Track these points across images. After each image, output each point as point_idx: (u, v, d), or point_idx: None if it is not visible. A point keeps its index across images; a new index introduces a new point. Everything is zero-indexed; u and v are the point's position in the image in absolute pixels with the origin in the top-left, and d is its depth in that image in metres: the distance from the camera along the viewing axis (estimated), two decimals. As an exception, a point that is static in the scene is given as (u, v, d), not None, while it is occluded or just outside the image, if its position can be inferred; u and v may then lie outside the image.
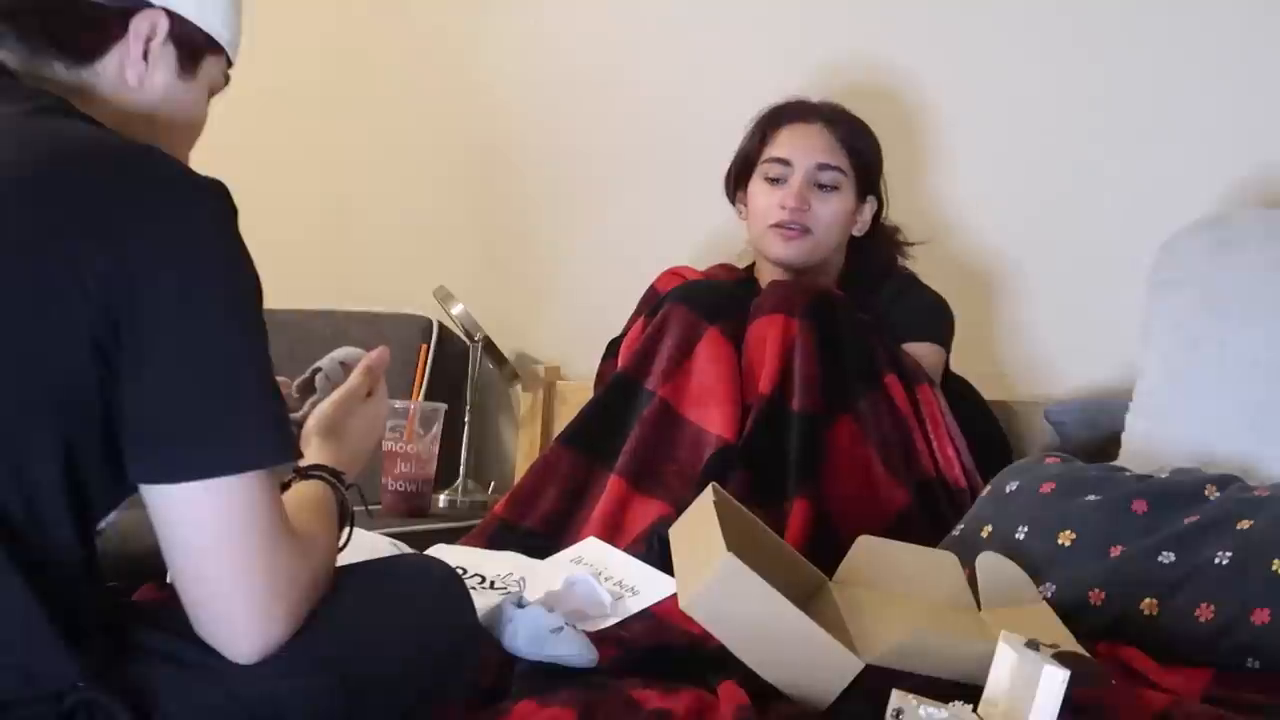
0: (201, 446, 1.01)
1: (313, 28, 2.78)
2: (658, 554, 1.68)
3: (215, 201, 1.08)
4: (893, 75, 2.35)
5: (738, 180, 2.20)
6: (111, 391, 1.01)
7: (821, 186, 2.09)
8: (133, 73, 1.18)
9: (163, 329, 1.01)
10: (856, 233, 2.15)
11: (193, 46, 1.22)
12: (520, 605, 1.41)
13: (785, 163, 2.10)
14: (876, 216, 2.18)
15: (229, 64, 1.29)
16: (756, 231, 2.13)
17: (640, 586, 1.61)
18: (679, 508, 1.76)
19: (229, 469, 1.01)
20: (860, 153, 2.12)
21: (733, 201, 2.21)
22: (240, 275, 1.07)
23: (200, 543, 1.02)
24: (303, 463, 1.25)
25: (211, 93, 1.28)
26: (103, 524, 1.10)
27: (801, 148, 2.10)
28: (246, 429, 1.03)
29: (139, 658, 1.03)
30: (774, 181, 2.11)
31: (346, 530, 1.22)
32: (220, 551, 1.02)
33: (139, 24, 1.18)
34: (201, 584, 1.03)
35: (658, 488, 1.83)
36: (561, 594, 1.53)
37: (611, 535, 1.79)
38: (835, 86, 2.27)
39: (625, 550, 1.73)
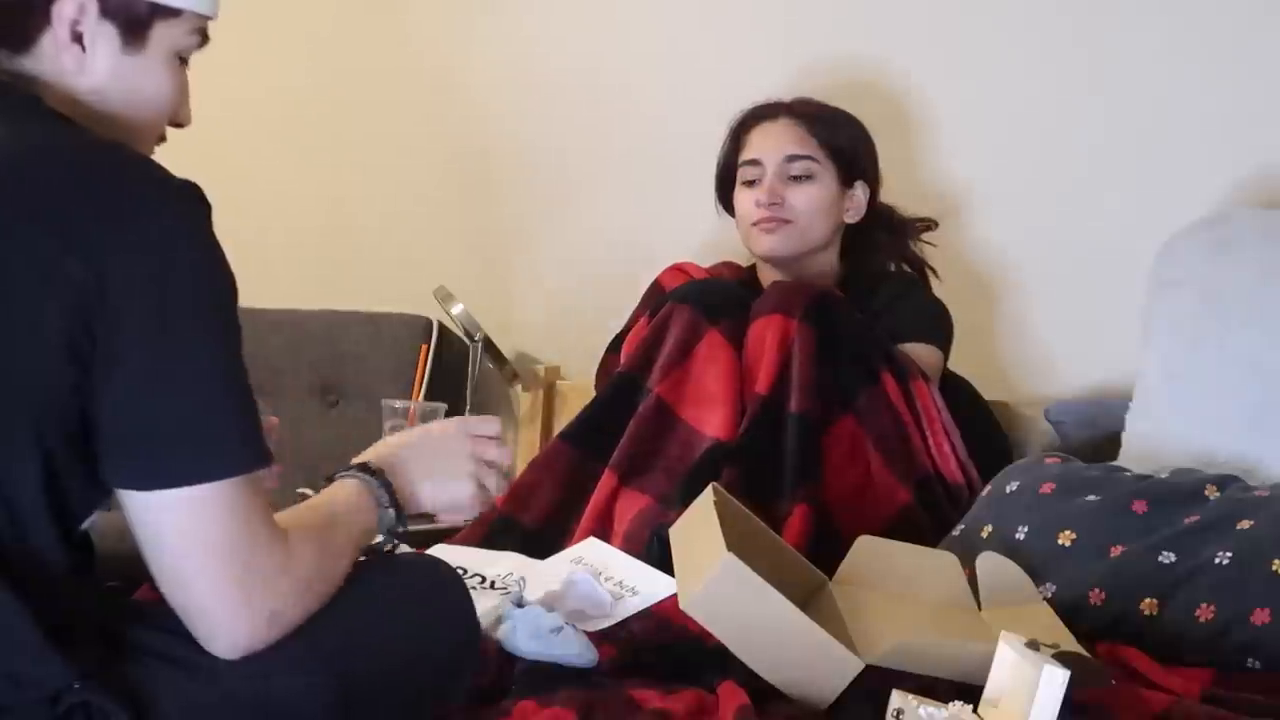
0: (171, 455, 1.01)
1: (312, 30, 2.78)
2: (657, 554, 1.68)
3: (187, 204, 1.06)
4: (889, 75, 2.35)
5: (723, 191, 2.21)
6: (87, 395, 1.00)
7: (795, 178, 2.10)
8: (68, 57, 1.13)
9: (135, 336, 1.00)
10: (850, 219, 2.15)
11: (133, 18, 1.14)
12: (520, 605, 1.41)
13: (756, 163, 2.12)
14: (873, 201, 2.17)
15: (203, 19, 1.20)
16: (743, 234, 2.16)
17: (640, 586, 1.61)
18: (661, 502, 1.77)
19: (199, 478, 1.01)
20: (833, 141, 2.12)
21: (729, 211, 2.21)
22: (213, 279, 1.05)
23: (174, 546, 1.02)
24: (355, 460, 1.25)
25: (181, 56, 1.20)
26: (86, 523, 1.10)
27: (769, 145, 2.12)
28: (216, 437, 1.02)
29: (136, 658, 1.02)
30: (750, 184, 2.13)
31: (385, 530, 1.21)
32: (194, 555, 1.01)
33: (62, 7, 1.11)
34: (178, 584, 1.03)
35: (644, 482, 1.84)
36: (561, 594, 1.53)
37: (601, 529, 1.80)
38: (829, 85, 2.27)
39: (615, 546, 1.74)
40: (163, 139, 1.24)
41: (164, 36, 1.17)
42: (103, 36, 1.13)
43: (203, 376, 1.03)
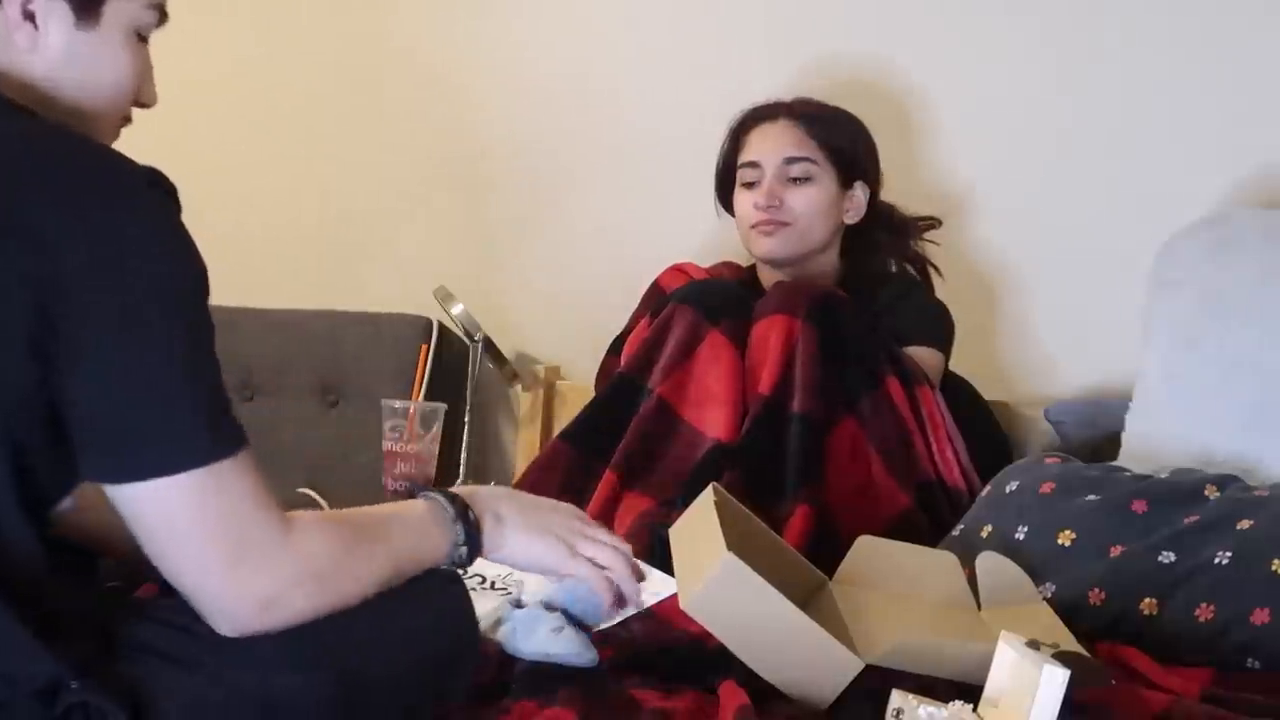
0: (143, 448, 1.00)
1: (312, 30, 2.78)
2: (658, 555, 1.67)
3: (148, 192, 1.04)
4: (889, 75, 2.35)
5: (723, 191, 2.21)
6: (54, 389, 1.00)
7: (794, 180, 2.09)
8: (20, 36, 1.11)
9: (97, 329, 0.99)
10: (850, 220, 2.15)
11: None
12: (519, 606, 1.40)
13: (755, 165, 2.12)
14: (874, 201, 2.17)
15: None
16: (742, 236, 2.16)
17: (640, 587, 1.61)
18: (664, 504, 1.77)
19: (171, 469, 1.00)
20: (832, 141, 2.11)
21: (729, 210, 2.21)
22: (176, 266, 1.04)
23: (159, 533, 1.02)
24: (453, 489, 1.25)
25: (140, 33, 1.18)
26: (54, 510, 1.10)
27: (768, 147, 2.11)
28: (183, 429, 1.01)
29: (135, 655, 1.02)
30: (749, 186, 2.12)
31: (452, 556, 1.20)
32: (179, 540, 1.02)
33: None
34: (170, 568, 1.03)
35: (647, 485, 1.84)
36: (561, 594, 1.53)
37: (602, 530, 1.80)
38: (829, 85, 2.27)
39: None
40: (128, 120, 1.22)
41: (119, 12, 1.15)
42: (55, 14, 1.12)
43: (168, 368, 1.01)
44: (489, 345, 2.47)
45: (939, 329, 2.11)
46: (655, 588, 1.60)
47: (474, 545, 1.22)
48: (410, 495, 1.25)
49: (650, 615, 1.54)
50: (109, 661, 1.00)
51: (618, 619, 1.45)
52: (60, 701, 0.95)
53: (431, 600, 1.18)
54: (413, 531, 1.18)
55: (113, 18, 1.14)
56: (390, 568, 1.13)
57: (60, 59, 1.13)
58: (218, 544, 1.02)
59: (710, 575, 1.27)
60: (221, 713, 1.02)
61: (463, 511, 1.21)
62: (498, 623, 1.40)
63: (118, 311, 1.00)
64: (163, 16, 1.20)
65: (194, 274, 1.05)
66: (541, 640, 1.35)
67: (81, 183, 1.02)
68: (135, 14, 1.16)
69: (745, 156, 2.14)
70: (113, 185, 1.03)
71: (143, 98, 1.21)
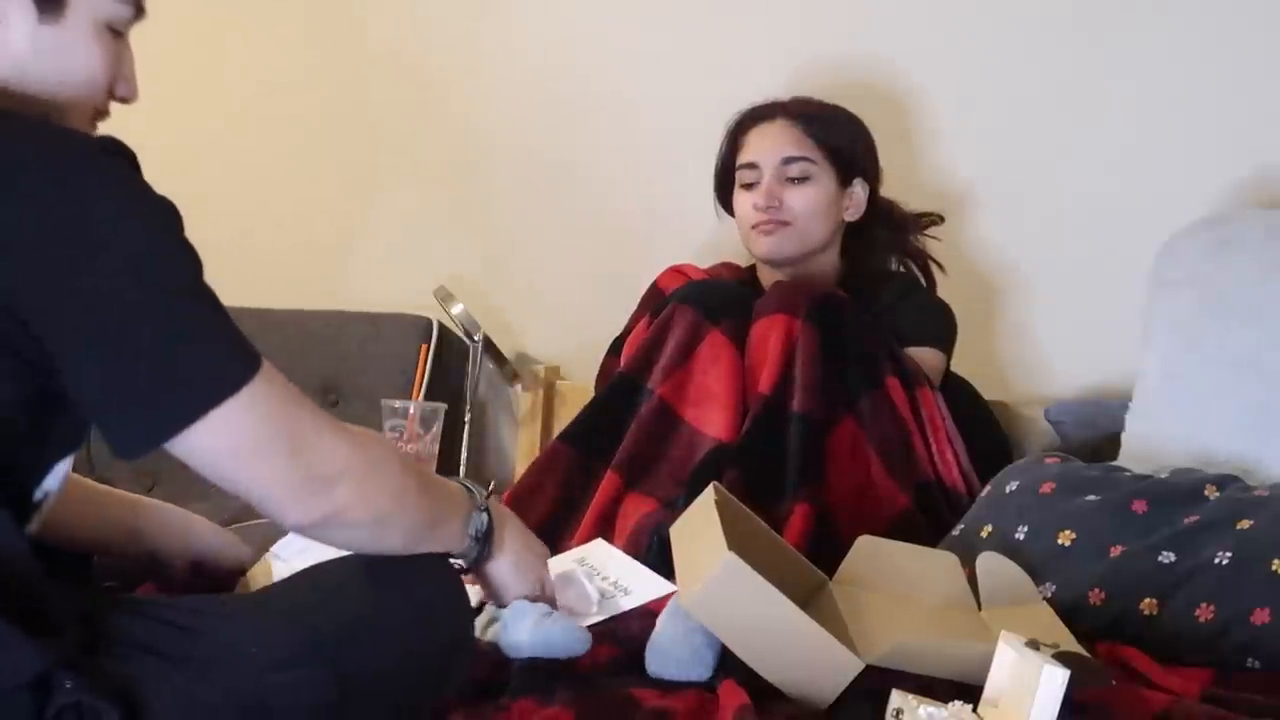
0: (167, 405, 1.01)
1: (313, 31, 2.78)
2: (656, 553, 1.68)
3: (108, 166, 1.04)
4: (889, 75, 2.35)
5: (722, 192, 2.21)
6: (29, 379, 1.00)
7: (792, 180, 2.09)
8: None
9: (78, 314, 1.00)
10: (850, 218, 2.15)
11: None
12: (502, 605, 1.40)
13: (754, 166, 2.12)
14: (874, 197, 2.17)
15: None
16: (743, 236, 2.15)
17: (633, 587, 1.60)
18: (666, 505, 1.77)
19: (195, 415, 1.01)
20: (830, 140, 2.11)
21: (729, 211, 2.21)
22: (151, 238, 1.04)
23: (215, 467, 1.04)
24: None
25: (114, 27, 1.16)
26: (39, 495, 1.10)
27: (766, 147, 2.11)
28: (194, 373, 1.02)
29: (129, 655, 1.01)
30: (748, 187, 2.12)
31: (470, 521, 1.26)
32: (238, 465, 1.04)
33: None
34: (236, 486, 1.06)
35: (648, 485, 1.83)
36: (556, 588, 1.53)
37: (604, 531, 1.80)
38: (829, 85, 2.27)
39: (616, 548, 1.74)
40: (103, 114, 1.20)
41: (85, 6, 1.14)
42: (16, 7, 1.11)
43: (160, 325, 1.02)
44: (489, 345, 2.47)
45: (940, 329, 2.11)
46: (648, 589, 1.60)
47: (487, 543, 1.28)
48: None
49: (651, 615, 1.54)
50: (103, 660, 1.00)
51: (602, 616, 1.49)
52: (54, 701, 0.94)
53: (426, 593, 1.18)
54: (447, 496, 1.23)
55: (79, 11, 1.13)
56: (427, 512, 1.18)
57: (25, 54, 1.11)
58: (276, 446, 1.05)
59: (711, 574, 1.28)
60: (216, 712, 1.02)
61: (489, 515, 1.27)
62: (490, 623, 1.40)
63: (91, 291, 1.00)
64: (139, 11, 1.18)
65: (160, 222, 1.05)
66: (531, 628, 1.34)
67: (33, 171, 1.02)
68: (103, 8, 1.15)
69: (743, 157, 2.14)
70: (71, 166, 1.03)
71: (120, 92, 1.19)
